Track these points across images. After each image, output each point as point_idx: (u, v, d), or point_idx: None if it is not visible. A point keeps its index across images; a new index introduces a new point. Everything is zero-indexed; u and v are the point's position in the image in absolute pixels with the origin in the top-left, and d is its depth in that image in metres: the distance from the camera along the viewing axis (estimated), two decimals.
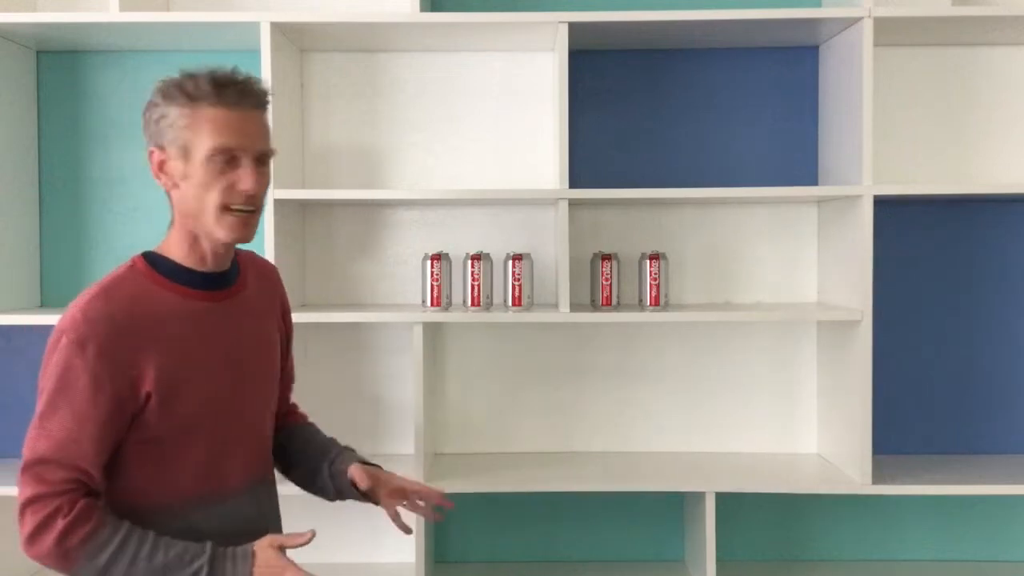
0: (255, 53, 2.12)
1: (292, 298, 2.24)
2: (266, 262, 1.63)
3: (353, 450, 1.64)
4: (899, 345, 2.37)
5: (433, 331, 2.32)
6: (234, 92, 1.33)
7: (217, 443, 1.40)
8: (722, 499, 2.16)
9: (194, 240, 1.39)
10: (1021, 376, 2.39)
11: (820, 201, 2.36)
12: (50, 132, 2.38)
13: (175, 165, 1.34)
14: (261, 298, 1.53)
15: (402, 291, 2.41)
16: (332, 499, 1.61)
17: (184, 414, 1.34)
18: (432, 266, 2.20)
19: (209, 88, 1.32)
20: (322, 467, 1.58)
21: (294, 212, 2.30)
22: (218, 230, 1.35)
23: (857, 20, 2.08)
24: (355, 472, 1.53)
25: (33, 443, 1.27)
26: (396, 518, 1.56)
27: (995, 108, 2.35)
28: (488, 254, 2.22)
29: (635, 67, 2.38)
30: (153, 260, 1.39)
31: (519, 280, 2.21)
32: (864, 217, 2.07)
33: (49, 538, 1.25)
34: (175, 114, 1.33)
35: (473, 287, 2.20)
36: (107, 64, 2.37)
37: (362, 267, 2.42)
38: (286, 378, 1.65)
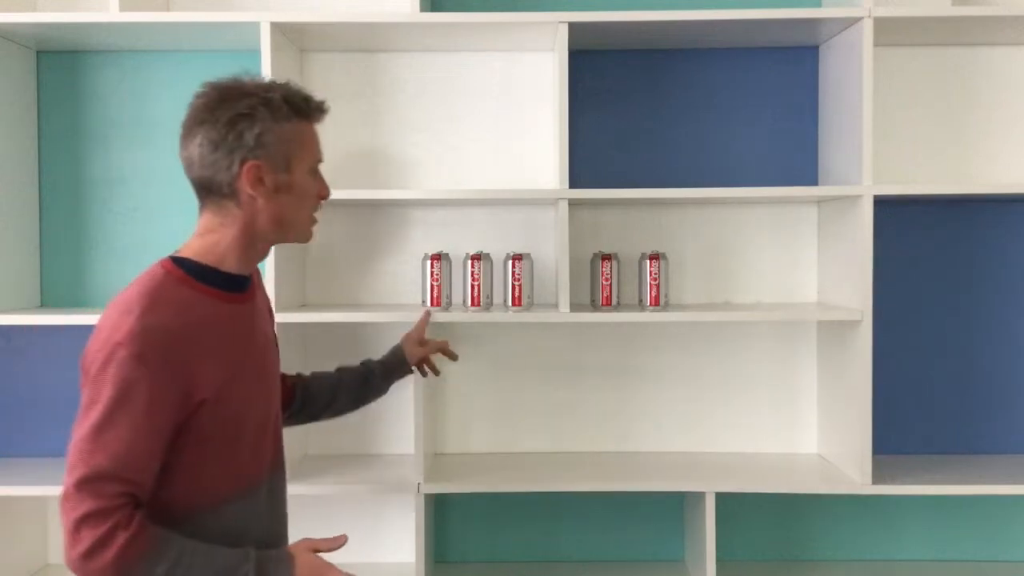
0: (255, 53, 2.11)
1: (292, 298, 2.26)
2: None
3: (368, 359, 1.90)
4: (899, 345, 2.37)
5: (433, 331, 2.32)
6: (325, 110, 1.48)
7: (251, 441, 1.43)
8: (722, 499, 2.16)
9: (251, 244, 1.42)
10: (1021, 376, 2.39)
11: (820, 201, 2.36)
12: (50, 132, 2.38)
13: (277, 178, 1.39)
14: (262, 298, 1.57)
15: (402, 291, 2.41)
16: (379, 394, 1.88)
17: (230, 416, 1.36)
18: (432, 266, 2.20)
19: (315, 107, 1.45)
20: (370, 373, 1.86)
21: None
22: (307, 233, 1.50)
23: (857, 20, 2.08)
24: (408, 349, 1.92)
25: (88, 457, 1.23)
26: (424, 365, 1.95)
27: (995, 108, 2.35)
28: (488, 254, 2.22)
29: (635, 67, 2.38)
30: (182, 264, 1.38)
31: (519, 280, 2.20)
32: (864, 217, 2.07)
33: (109, 554, 1.22)
34: (282, 128, 1.39)
35: (473, 287, 2.20)
36: (107, 64, 2.37)
37: (362, 267, 2.42)
38: None
